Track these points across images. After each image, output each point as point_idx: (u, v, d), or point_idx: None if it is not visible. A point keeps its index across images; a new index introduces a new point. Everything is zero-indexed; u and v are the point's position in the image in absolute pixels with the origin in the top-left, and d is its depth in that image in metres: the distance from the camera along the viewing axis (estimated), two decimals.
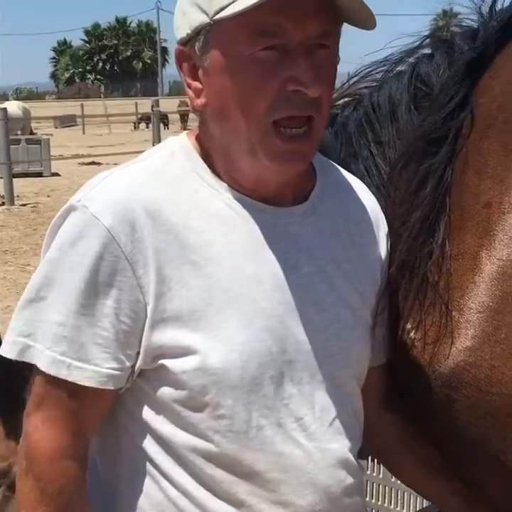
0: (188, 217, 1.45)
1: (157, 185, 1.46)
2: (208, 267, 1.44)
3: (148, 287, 1.41)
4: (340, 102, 1.98)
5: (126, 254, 1.40)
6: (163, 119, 39.13)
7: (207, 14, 1.39)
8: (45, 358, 1.42)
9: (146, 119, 39.42)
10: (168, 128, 37.32)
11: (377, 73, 1.97)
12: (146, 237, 1.41)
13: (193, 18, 1.42)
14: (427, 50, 1.92)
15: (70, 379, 1.42)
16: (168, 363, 1.43)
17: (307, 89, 1.37)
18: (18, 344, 1.44)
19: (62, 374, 1.41)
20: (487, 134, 1.75)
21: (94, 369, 1.42)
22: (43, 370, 1.42)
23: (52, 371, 1.42)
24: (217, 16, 1.37)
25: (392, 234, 1.70)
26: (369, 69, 1.98)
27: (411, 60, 1.92)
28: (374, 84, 1.96)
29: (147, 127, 38.90)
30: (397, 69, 1.93)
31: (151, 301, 1.41)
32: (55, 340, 1.41)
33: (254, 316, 1.45)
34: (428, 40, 1.94)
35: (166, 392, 1.44)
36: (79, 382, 1.42)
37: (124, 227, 1.41)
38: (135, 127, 39.91)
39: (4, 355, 1.47)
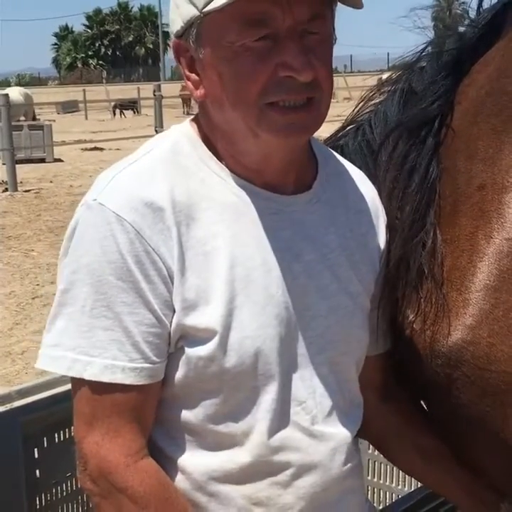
0: (198, 208, 1.45)
1: (168, 177, 1.45)
2: (219, 256, 1.44)
3: (173, 277, 1.42)
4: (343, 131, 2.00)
5: (152, 247, 1.40)
6: (133, 105, 37.98)
7: (196, 7, 1.40)
8: (96, 367, 1.39)
9: (120, 106, 38.46)
10: (139, 113, 36.55)
11: (379, 96, 1.98)
12: (166, 228, 1.41)
13: (184, 11, 1.43)
14: (422, 63, 1.93)
15: (127, 382, 1.40)
16: (183, 350, 1.44)
17: (299, 75, 1.37)
18: (65, 359, 1.41)
19: (118, 378, 1.39)
20: (476, 120, 1.77)
21: (151, 367, 1.42)
22: (94, 379, 1.39)
23: (105, 378, 1.39)
24: (206, 9, 1.38)
25: (389, 232, 1.72)
26: (371, 93, 1.99)
27: (406, 76, 1.94)
28: (374, 108, 1.97)
29: (122, 115, 37.92)
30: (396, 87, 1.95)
31: (175, 290, 1.42)
32: (103, 346, 1.39)
33: (265, 303, 1.47)
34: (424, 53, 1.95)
35: (179, 377, 1.45)
36: (137, 383, 1.40)
37: (146, 220, 1.40)
38: (113, 115, 38.28)
39: (49, 370, 1.44)
